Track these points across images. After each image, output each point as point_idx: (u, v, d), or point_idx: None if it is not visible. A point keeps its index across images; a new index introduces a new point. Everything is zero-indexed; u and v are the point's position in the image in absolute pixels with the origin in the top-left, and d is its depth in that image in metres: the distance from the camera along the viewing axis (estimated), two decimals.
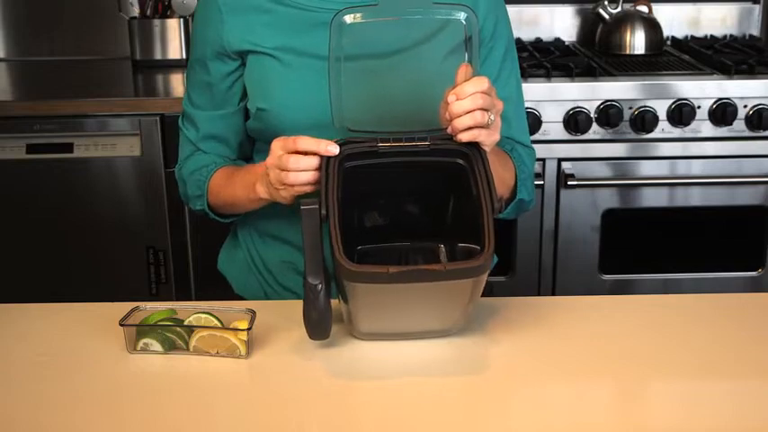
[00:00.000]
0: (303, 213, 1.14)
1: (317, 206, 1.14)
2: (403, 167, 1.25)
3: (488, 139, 1.24)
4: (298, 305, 1.18)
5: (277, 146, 1.25)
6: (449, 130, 1.23)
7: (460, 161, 1.24)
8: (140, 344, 1.23)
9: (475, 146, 1.23)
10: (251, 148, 1.53)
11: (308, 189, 1.25)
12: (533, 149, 1.55)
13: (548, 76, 2.38)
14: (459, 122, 1.21)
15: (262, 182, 1.34)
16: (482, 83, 1.21)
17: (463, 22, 1.24)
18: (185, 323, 1.23)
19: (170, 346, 1.23)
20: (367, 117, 1.29)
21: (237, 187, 1.42)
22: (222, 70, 1.45)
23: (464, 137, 1.22)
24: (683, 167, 2.39)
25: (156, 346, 1.22)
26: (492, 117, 1.23)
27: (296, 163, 1.23)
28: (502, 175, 1.39)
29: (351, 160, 1.22)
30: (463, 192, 1.23)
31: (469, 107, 1.20)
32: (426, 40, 1.38)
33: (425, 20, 1.29)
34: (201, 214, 1.51)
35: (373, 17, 1.23)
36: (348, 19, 1.22)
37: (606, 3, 2.74)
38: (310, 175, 1.23)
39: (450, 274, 1.11)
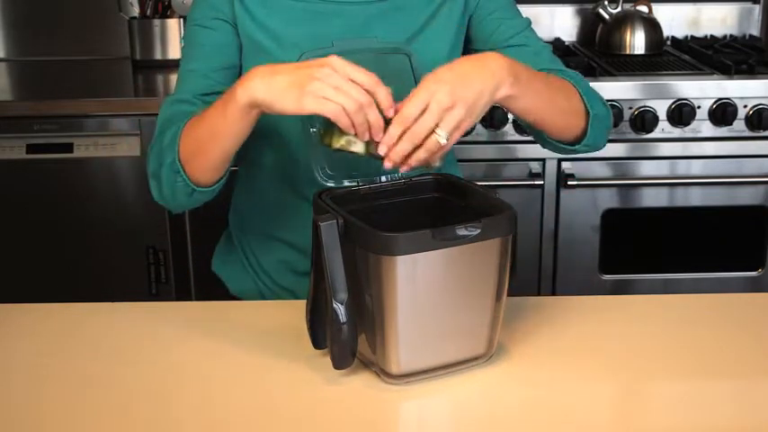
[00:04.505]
0: (322, 229, 1.09)
1: (333, 220, 1.09)
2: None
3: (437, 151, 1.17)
4: (296, 305, 1.18)
5: (336, 62, 1.12)
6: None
7: (436, 194, 1.25)
8: (342, 140, 1.17)
9: (448, 175, 1.26)
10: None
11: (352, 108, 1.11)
12: (575, 72, 1.44)
13: None
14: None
15: (251, 82, 1.15)
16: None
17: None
18: None
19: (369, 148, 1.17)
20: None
21: (210, 111, 1.24)
22: (221, 35, 1.38)
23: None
24: (683, 167, 2.39)
25: (360, 146, 1.17)
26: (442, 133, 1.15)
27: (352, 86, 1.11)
28: (558, 103, 1.32)
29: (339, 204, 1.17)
30: (456, 198, 1.24)
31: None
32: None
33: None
34: (171, 182, 1.30)
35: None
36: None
37: (606, 3, 2.74)
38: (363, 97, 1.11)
39: (487, 225, 1.14)
